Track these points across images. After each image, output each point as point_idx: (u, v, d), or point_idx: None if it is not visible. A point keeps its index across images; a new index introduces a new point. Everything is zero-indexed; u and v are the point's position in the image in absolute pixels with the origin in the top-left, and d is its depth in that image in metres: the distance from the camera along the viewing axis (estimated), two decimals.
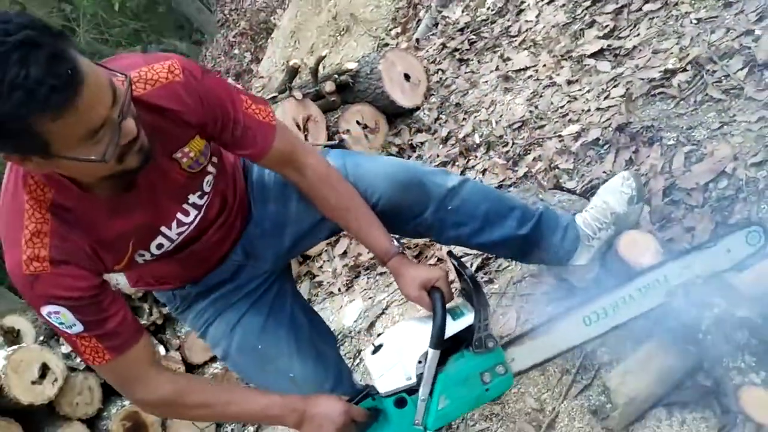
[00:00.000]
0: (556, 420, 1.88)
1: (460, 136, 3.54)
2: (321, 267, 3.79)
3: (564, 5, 3.65)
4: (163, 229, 1.42)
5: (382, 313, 2.96)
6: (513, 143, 3.14)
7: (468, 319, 1.47)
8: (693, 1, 2.87)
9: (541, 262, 1.99)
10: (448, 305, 1.47)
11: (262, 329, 1.64)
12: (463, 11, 4.53)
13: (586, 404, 1.83)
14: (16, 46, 0.93)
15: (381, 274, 3.29)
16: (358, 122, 4.07)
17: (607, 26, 3.21)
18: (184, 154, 1.37)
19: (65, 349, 3.21)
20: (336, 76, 4.09)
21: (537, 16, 3.83)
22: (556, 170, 2.74)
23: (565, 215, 1.87)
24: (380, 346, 1.51)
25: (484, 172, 3.19)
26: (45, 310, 1.23)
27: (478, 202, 1.71)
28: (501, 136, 3.26)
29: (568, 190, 2.49)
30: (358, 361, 2.89)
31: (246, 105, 1.44)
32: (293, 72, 4.04)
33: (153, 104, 1.24)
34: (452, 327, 1.45)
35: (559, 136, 2.88)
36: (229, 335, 1.63)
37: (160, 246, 1.45)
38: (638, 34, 2.99)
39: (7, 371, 2.86)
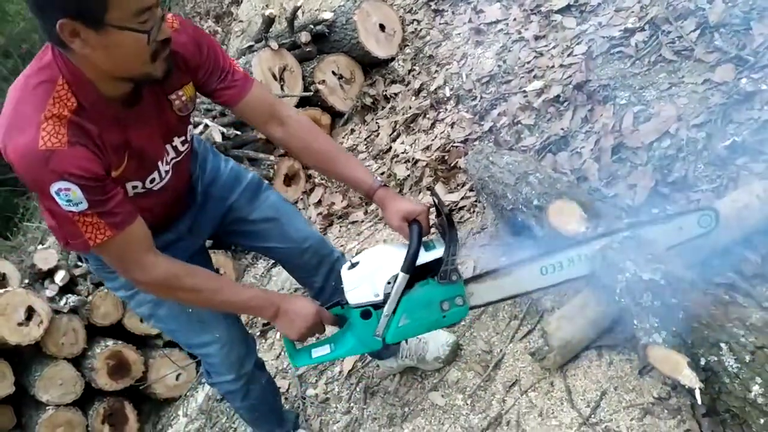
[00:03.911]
0: (502, 361, 2.05)
1: (432, 88, 3.62)
2: None
3: None
4: (159, 164, 1.58)
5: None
6: (481, 97, 3.24)
7: (438, 252, 1.63)
8: None
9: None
10: (423, 239, 1.63)
11: None
12: None
13: (529, 347, 2.00)
14: None
15: (353, 223, 3.43)
16: (333, 72, 4.13)
17: None
18: (178, 97, 1.55)
19: (50, 292, 3.35)
20: (312, 26, 4.12)
21: None
22: (518, 125, 2.85)
23: None
24: (357, 263, 1.68)
25: (452, 125, 3.30)
26: (55, 186, 1.30)
27: None
28: (470, 90, 3.35)
29: None
30: None
31: (229, 57, 1.64)
32: (269, 22, 4.07)
33: None
34: (423, 257, 1.62)
35: (524, 91, 2.98)
36: (160, 300, 1.76)
37: (152, 180, 1.58)
38: None
39: None
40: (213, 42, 1.60)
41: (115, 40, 1.27)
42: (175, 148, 1.62)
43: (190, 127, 1.66)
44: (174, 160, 1.63)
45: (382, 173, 3.51)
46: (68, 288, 3.47)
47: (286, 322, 1.65)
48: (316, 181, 3.98)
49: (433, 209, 1.72)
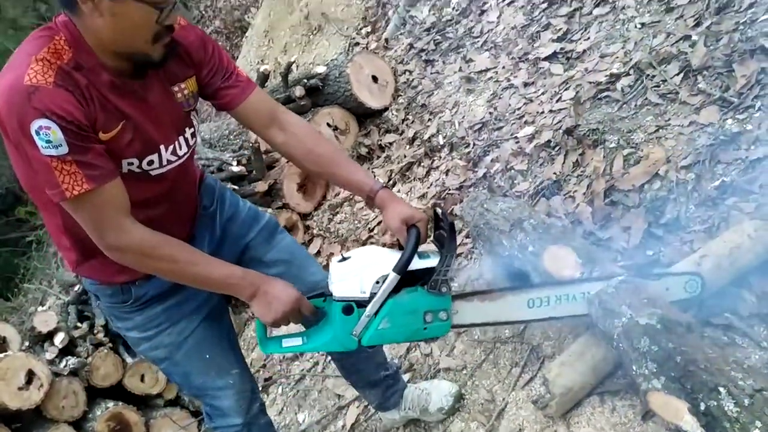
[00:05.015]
0: (504, 410, 2.04)
1: (426, 137, 3.68)
2: None
3: (523, 7, 3.79)
4: (162, 148, 1.56)
5: None
6: (474, 144, 3.29)
7: (432, 262, 1.60)
8: (638, 6, 3.02)
9: (365, 397, 2.36)
10: (419, 247, 1.59)
11: (212, 342, 1.80)
12: (429, 11, 4.65)
13: (531, 394, 1.99)
14: None
15: None
16: (328, 124, 4.19)
17: (560, 29, 3.35)
18: (180, 90, 1.58)
19: (50, 355, 3.33)
20: (305, 80, 4.20)
21: (498, 17, 3.96)
22: (512, 171, 2.89)
23: (402, 382, 2.27)
24: (348, 257, 1.63)
25: (447, 172, 3.34)
26: (36, 124, 1.29)
27: None
28: (463, 138, 3.40)
29: None
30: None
31: (233, 61, 1.70)
32: (264, 77, 4.16)
33: None
34: (417, 263, 1.58)
35: (516, 137, 3.03)
36: (179, 343, 1.76)
37: (150, 162, 1.55)
38: (588, 38, 3.14)
39: None
40: (218, 45, 1.64)
41: (127, 11, 1.33)
42: (186, 140, 1.62)
43: (196, 122, 1.67)
44: (185, 155, 1.64)
45: (379, 222, 3.53)
46: (68, 350, 3.45)
47: (263, 303, 1.59)
48: (315, 232, 4.00)
49: (431, 225, 1.70)
